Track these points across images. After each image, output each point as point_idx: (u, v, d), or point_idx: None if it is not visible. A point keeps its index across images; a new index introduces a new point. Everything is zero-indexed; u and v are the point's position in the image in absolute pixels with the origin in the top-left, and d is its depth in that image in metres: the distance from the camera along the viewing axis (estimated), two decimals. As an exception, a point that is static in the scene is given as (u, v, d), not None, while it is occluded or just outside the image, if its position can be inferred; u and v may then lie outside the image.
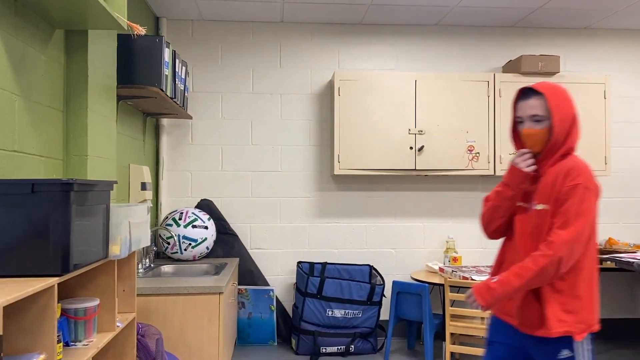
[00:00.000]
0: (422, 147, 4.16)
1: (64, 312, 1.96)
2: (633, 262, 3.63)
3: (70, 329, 1.97)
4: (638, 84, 4.68)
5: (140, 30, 2.31)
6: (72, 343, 1.97)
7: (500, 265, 2.08)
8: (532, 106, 1.93)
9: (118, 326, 2.20)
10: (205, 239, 3.98)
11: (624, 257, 3.92)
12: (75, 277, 2.14)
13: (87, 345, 1.97)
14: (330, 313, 4.00)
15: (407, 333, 4.27)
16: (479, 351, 3.50)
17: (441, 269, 4.01)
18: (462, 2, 4.01)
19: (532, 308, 1.91)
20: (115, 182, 2.05)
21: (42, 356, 1.55)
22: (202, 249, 3.98)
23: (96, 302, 2.04)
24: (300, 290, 4.06)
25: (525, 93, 1.97)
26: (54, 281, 1.58)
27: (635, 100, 4.68)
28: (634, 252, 4.09)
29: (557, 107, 1.90)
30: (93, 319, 2.04)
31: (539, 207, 1.92)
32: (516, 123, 2.04)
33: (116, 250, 2.04)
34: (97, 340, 2.02)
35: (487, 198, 2.10)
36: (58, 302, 1.97)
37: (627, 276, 4.64)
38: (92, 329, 2.04)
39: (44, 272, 1.62)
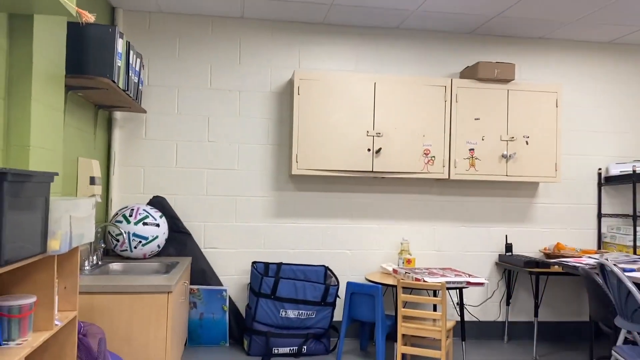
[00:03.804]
0: (380, 149, 4.17)
1: (-4, 309, 1.86)
2: (578, 267, 3.74)
3: (2, 327, 1.87)
4: (588, 94, 4.84)
5: (89, 17, 2.22)
6: (4, 342, 1.87)
7: None
8: None
9: (57, 325, 2.11)
10: (157, 237, 3.88)
11: (571, 261, 4.03)
12: (10, 273, 2.03)
13: (20, 344, 1.87)
14: (283, 314, 3.96)
15: (359, 334, 4.28)
16: (430, 352, 3.53)
17: (395, 271, 4.03)
18: (422, 6, 4.05)
19: None
20: (56, 174, 1.96)
21: (-33, 356, 1.46)
22: (153, 247, 3.88)
23: (32, 299, 1.94)
24: (254, 290, 4.00)
25: None
26: (-18, 276, 1.48)
27: (585, 109, 4.83)
28: (580, 257, 4.22)
29: None
30: (28, 317, 1.94)
31: None
32: None
33: (55, 245, 1.95)
34: (33, 340, 1.93)
35: None
36: (-10, 299, 1.87)
37: (573, 280, 4.79)
38: (27, 327, 1.94)
39: (-29, 267, 1.52)
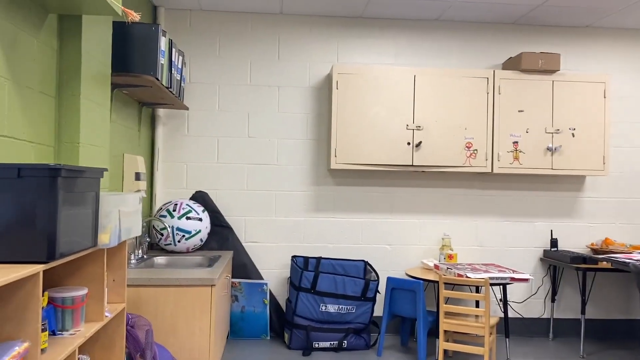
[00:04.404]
0: (420, 142, 4.12)
1: (51, 300, 1.93)
2: (629, 263, 3.61)
3: (57, 317, 1.94)
4: (638, 84, 4.65)
5: (135, 16, 2.27)
6: (58, 332, 1.94)
7: None
8: None
9: (107, 316, 2.17)
10: (200, 231, 3.95)
11: (620, 257, 3.89)
12: (63, 266, 2.10)
13: (74, 334, 1.94)
14: (323, 308, 3.98)
15: (400, 329, 4.25)
16: (473, 349, 3.48)
17: (436, 266, 3.98)
18: (463, -3, 3.97)
19: None
20: (106, 170, 2.01)
21: (26, 344, 1.52)
22: (195, 241, 3.95)
23: (84, 291, 2.01)
24: (294, 284, 4.03)
25: None
26: (39, 268, 1.54)
27: (635, 100, 4.65)
28: (630, 253, 4.07)
29: None
30: (81, 308, 2.01)
31: None
32: None
33: (105, 239, 2.00)
34: (85, 330, 1.99)
35: None
36: (45, 291, 1.94)
37: (622, 277, 4.62)
38: (79, 318, 2.01)
39: (29, 259, 1.58)
